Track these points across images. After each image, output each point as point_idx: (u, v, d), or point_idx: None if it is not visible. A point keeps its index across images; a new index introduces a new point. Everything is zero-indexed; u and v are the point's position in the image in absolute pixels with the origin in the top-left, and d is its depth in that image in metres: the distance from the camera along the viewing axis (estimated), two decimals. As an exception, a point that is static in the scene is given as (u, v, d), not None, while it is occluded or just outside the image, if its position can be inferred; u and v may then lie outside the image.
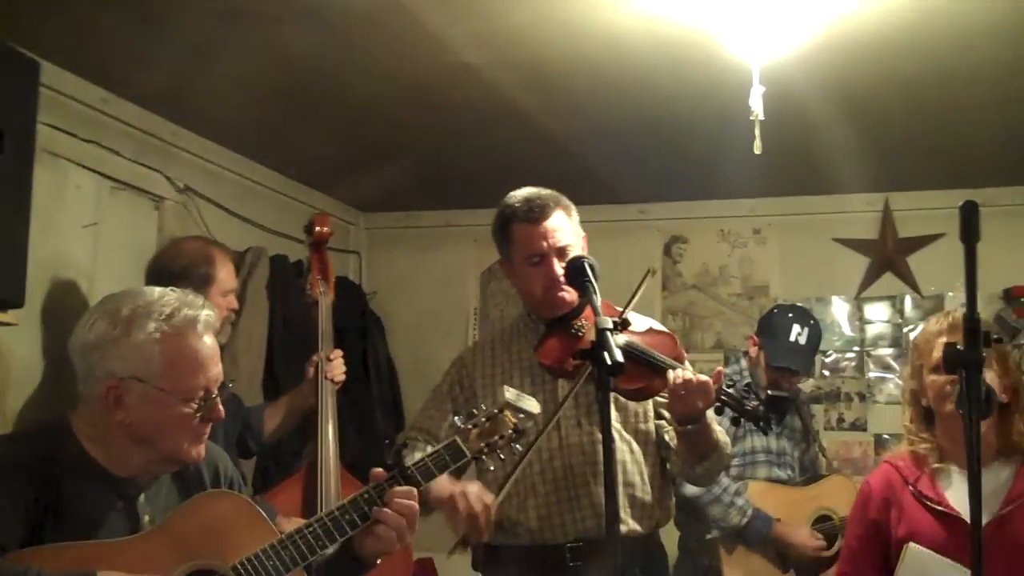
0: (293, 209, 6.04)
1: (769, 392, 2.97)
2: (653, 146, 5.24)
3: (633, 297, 3.11)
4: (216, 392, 2.37)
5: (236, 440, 4.20)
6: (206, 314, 2.40)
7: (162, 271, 3.85)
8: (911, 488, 3.03)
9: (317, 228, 4.49)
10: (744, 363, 4.91)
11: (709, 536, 4.60)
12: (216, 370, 2.39)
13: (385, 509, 2.44)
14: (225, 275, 3.98)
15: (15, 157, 3.44)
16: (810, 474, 4.95)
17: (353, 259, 6.77)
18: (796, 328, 4.81)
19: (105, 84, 4.43)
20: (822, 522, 4.72)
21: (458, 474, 3.08)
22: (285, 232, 5.92)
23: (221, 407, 2.38)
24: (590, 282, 2.89)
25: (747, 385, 3.11)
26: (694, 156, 5.39)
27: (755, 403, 3.02)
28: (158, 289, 2.42)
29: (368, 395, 6.10)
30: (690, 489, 4.35)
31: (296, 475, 4.27)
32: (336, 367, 4.28)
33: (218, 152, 5.30)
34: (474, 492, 2.98)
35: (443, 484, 2.98)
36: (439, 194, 6.39)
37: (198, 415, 2.34)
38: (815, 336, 4.85)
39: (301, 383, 4.34)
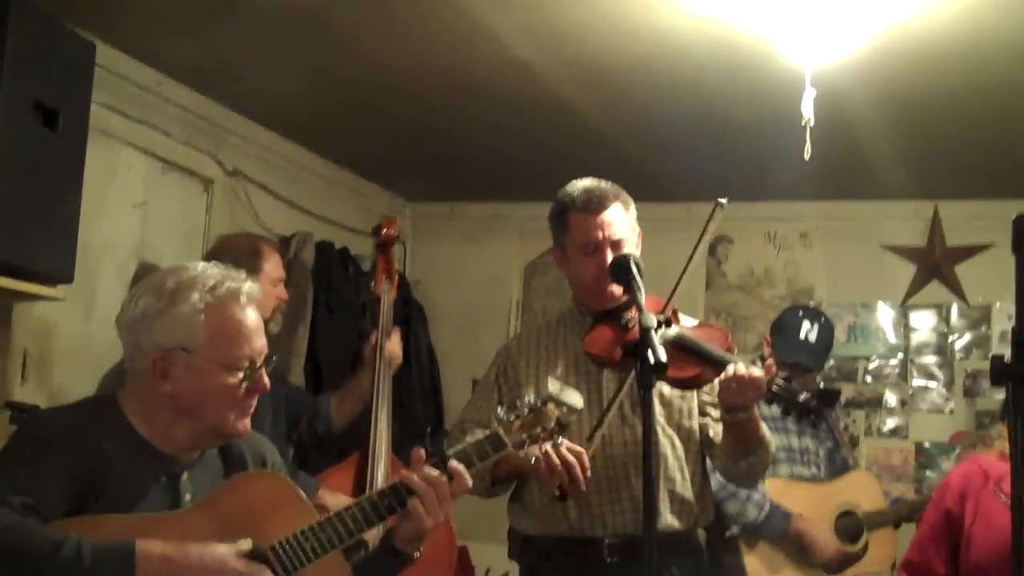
0: (340, 196, 6.09)
1: (822, 386, 2.99)
2: (702, 145, 5.24)
3: (698, 244, 3.11)
4: (261, 363, 2.40)
5: (308, 426, 4.34)
6: (249, 286, 2.42)
7: None
8: (992, 483, 3.06)
9: (384, 230, 4.67)
10: (770, 361, 4.90)
11: (728, 533, 4.59)
12: (260, 342, 2.41)
13: (412, 475, 2.45)
14: (272, 266, 4.06)
15: (69, 136, 3.49)
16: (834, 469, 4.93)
17: (397, 248, 6.80)
18: (806, 325, 4.80)
19: (158, 65, 4.48)
20: (845, 517, 4.70)
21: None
22: (331, 218, 5.96)
23: (266, 378, 2.41)
24: (634, 280, 2.90)
25: (787, 378, 3.11)
26: (743, 157, 5.39)
27: (806, 396, 3.02)
28: (201, 263, 2.45)
29: (408, 383, 6.15)
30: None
31: (348, 459, 4.38)
32: (395, 344, 4.43)
33: (268, 136, 5.35)
34: (563, 446, 2.99)
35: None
36: (485, 186, 6.41)
37: (243, 385, 2.36)
38: (826, 334, 4.83)
39: (359, 370, 4.47)
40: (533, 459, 2.92)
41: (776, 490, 4.58)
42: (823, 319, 4.89)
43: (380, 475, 4.26)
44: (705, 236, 3.14)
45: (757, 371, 2.93)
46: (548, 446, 2.87)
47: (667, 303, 3.07)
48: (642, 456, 2.52)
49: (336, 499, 3.93)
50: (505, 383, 3.32)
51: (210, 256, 4.06)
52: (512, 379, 3.29)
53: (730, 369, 2.94)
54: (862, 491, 4.76)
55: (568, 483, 2.97)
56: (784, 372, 4.62)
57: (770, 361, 3.02)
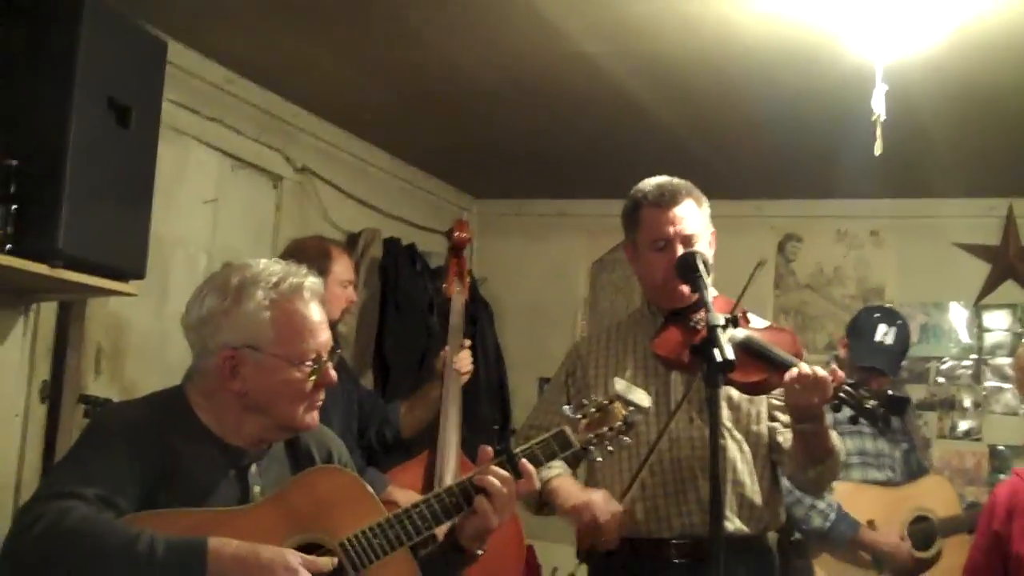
0: (407, 193, 6.12)
1: (890, 393, 2.91)
2: (770, 142, 5.20)
3: (743, 291, 3.09)
4: (327, 357, 2.42)
5: (378, 432, 4.40)
6: (311, 281, 2.45)
7: None
8: None
9: (457, 233, 4.84)
10: (834, 366, 4.87)
11: (793, 538, 4.56)
12: (325, 336, 2.43)
13: (482, 474, 2.46)
14: (342, 268, 4.11)
15: (141, 133, 3.53)
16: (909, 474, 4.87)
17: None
18: (882, 328, 4.74)
19: (229, 63, 4.53)
20: (919, 523, 4.64)
21: (570, 465, 3.13)
22: (399, 215, 5.99)
23: (333, 371, 2.43)
24: (700, 277, 2.88)
25: (854, 384, 3.06)
26: (812, 154, 5.34)
27: (874, 403, 2.97)
28: (263, 260, 2.47)
29: (475, 380, 6.16)
30: None
31: (418, 457, 4.45)
32: (464, 358, 4.52)
33: (336, 134, 5.39)
34: (600, 501, 2.99)
35: (570, 491, 3.03)
36: (552, 183, 6.41)
37: (311, 379, 2.38)
38: (903, 337, 4.77)
39: (429, 381, 4.59)
40: (573, 504, 3.03)
41: (846, 494, 4.53)
42: (900, 321, 4.82)
43: (449, 473, 4.35)
44: (744, 292, 3.11)
45: (821, 371, 2.89)
46: (583, 500, 2.99)
47: (736, 304, 3.05)
48: (709, 457, 2.51)
49: (406, 495, 3.96)
50: (574, 385, 3.31)
51: (282, 259, 4.12)
52: (581, 380, 3.29)
53: (794, 369, 2.90)
54: (936, 496, 4.69)
55: (598, 541, 3.00)
56: (852, 378, 4.60)
57: (834, 367, 2.99)
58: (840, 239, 6.40)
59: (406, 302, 5.68)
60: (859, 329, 4.82)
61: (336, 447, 2.62)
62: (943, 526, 4.62)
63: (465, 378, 4.54)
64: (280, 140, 4.98)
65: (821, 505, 4.43)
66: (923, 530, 4.62)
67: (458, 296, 4.69)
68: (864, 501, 4.55)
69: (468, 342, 4.58)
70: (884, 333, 4.73)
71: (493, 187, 6.63)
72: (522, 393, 6.35)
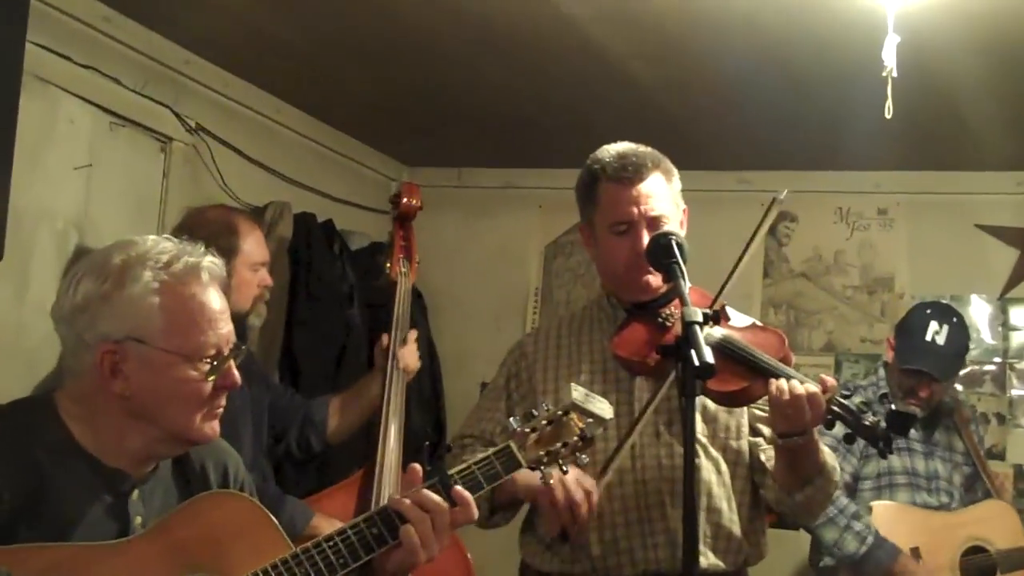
0: (324, 159, 6.10)
1: (892, 407, 2.90)
2: (759, 102, 5.21)
3: (735, 269, 3.11)
4: (229, 353, 2.40)
5: (299, 436, 4.37)
6: (210, 261, 2.42)
7: None
8: None
9: (405, 200, 4.71)
10: (882, 372, 4.91)
11: (822, 564, 4.58)
12: (227, 328, 2.41)
13: (406, 500, 2.45)
14: (252, 245, 4.09)
15: (-1, 82, 3.48)
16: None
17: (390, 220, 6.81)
18: (933, 326, 4.76)
19: (108, -1, 4.49)
20: (974, 554, 4.65)
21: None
22: (313, 186, 5.97)
23: (236, 372, 2.41)
24: (677, 264, 2.89)
25: (883, 395, 3.06)
26: (810, 116, 5.37)
27: (874, 418, 2.97)
28: (151, 237, 2.44)
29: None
30: None
31: (351, 479, 4.38)
32: (410, 353, 4.45)
33: (238, 87, 5.36)
34: (572, 478, 2.99)
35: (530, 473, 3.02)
36: (499, 149, 6.41)
37: (209, 379, 2.36)
38: (958, 337, 4.81)
39: (368, 373, 4.53)
40: (543, 482, 2.75)
41: (888, 516, 4.54)
42: (955, 320, 4.86)
43: (387, 498, 4.24)
44: (757, 236, 3.13)
45: (812, 386, 2.91)
46: (558, 473, 2.85)
47: (716, 297, 3.07)
48: (681, 481, 2.52)
49: (334, 528, 3.93)
50: (518, 389, 3.33)
51: (176, 233, 4.07)
52: (526, 384, 3.30)
53: (782, 385, 2.92)
54: (996, 524, 4.71)
55: (571, 524, 3.00)
56: (900, 383, 4.61)
57: (825, 376, 3.00)
58: (841, 219, 6.44)
59: (321, 290, 5.65)
60: (907, 326, 4.87)
61: (234, 464, 2.60)
62: (1004, 559, 4.64)
63: (410, 376, 4.49)
64: (169, 93, 4.94)
65: (857, 527, 4.46)
66: (979, 563, 4.64)
67: (404, 279, 4.60)
68: (909, 526, 4.57)
69: (415, 334, 4.54)
70: (935, 332, 4.75)
71: (428, 153, 6.63)
72: (461, 401, 6.32)
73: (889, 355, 4.89)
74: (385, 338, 4.43)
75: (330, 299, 5.72)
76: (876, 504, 4.61)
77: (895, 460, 4.66)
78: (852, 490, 4.68)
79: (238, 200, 5.28)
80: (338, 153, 6.21)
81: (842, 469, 4.39)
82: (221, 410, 2.42)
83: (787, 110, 5.29)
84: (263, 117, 5.60)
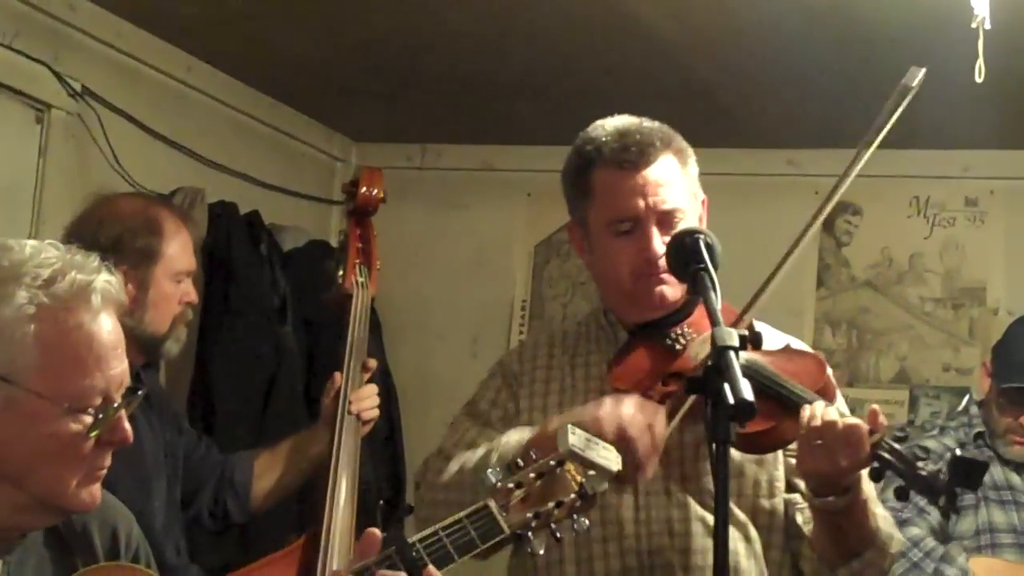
0: (248, 132, 6.11)
1: (957, 453, 2.87)
2: (813, 65, 5.22)
3: (778, 270, 3.09)
4: (120, 402, 2.37)
5: (213, 501, 4.27)
6: (104, 280, 2.38)
7: (83, 245, 3.92)
8: None
9: (364, 189, 4.56)
10: (975, 409, 4.92)
11: None
12: (120, 368, 2.37)
13: None
14: (177, 250, 4.04)
15: None
16: None
17: (337, 214, 6.80)
18: None
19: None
20: None
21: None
22: (234, 167, 5.97)
23: (127, 426, 2.38)
24: (706, 271, 2.87)
25: (978, 434, 3.04)
26: (876, 81, 5.36)
27: (933, 468, 2.93)
28: (31, 243, 2.40)
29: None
30: None
31: (290, 548, 4.33)
32: (368, 394, 4.33)
33: (137, 39, 5.35)
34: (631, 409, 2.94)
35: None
36: (476, 122, 6.44)
37: (92, 434, 2.33)
38: None
39: (305, 410, 4.46)
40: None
41: (982, 571, 4.56)
42: None
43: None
44: (820, 217, 3.11)
45: (853, 418, 2.89)
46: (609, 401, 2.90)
47: (744, 311, 3.04)
48: (697, 552, 2.49)
49: None
50: (503, 411, 3.33)
51: (77, 229, 4.03)
52: (511, 406, 3.31)
53: (814, 409, 2.89)
54: None
55: (634, 468, 2.96)
56: (995, 409, 4.63)
57: (875, 407, 2.97)
58: (919, 211, 6.44)
59: (244, 304, 5.65)
60: (1007, 343, 4.90)
61: (125, 525, 2.59)
62: None
63: (367, 428, 4.37)
64: (48, 47, 4.93)
65: (950, 572, 4.47)
66: None
67: (362, 292, 4.46)
68: None
69: (373, 363, 4.46)
70: None
71: (383, 126, 6.65)
72: (423, 448, 6.28)
73: (984, 385, 4.90)
74: (338, 377, 4.31)
75: (256, 315, 5.71)
76: (976, 560, 4.61)
77: (997, 514, 4.68)
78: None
79: (136, 185, 5.26)
80: (266, 125, 6.23)
81: (915, 526, 4.41)
82: (103, 471, 2.40)
83: (847, 73, 5.29)
84: (168, 78, 5.60)
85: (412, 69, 5.67)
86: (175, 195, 5.47)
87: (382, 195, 4.59)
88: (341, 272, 4.47)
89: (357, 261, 4.49)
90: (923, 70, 3.03)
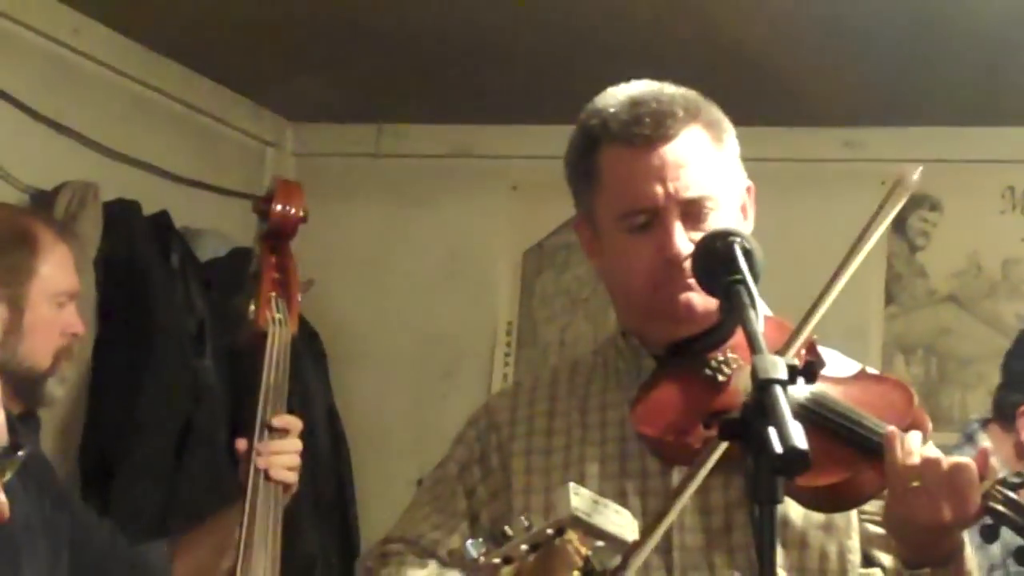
0: (156, 112, 6.11)
1: None
2: (879, 24, 5.24)
3: (832, 286, 3.07)
4: None
5: None
6: None
7: None
8: None
9: (279, 206, 4.52)
10: (984, 445, 4.95)
11: None
12: None
13: None
14: (55, 268, 4.07)
15: None
16: None
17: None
18: None
19: None
20: None
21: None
22: (137, 155, 5.97)
23: (3, 499, 2.38)
24: (743, 283, 2.86)
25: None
26: (954, 41, 5.39)
27: None
28: None
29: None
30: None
31: None
32: (283, 451, 4.28)
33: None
34: None
35: None
36: (449, 96, 6.45)
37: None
38: None
39: (232, 469, 4.43)
40: None
41: None
42: None
43: None
44: (870, 238, 3.10)
45: (961, 457, 2.87)
46: None
47: (797, 331, 3.03)
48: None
49: None
50: (483, 483, 3.31)
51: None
52: (497, 477, 3.28)
53: (910, 444, 2.87)
54: None
55: None
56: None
57: (985, 447, 2.96)
58: (1013, 206, 6.47)
59: (151, 328, 5.65)
60: None
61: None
62: None
63: (287, 496, 4.40)
64: None
65: None
66: None
67: (279, 330, 4.40)
68: None
69: (286, 420, 4.42)
70: None
71: (329, 101, 6.66)
72: (380, 511, 6.31)
73: None
74: (242, 443, 4.30)
75: (166, 344, 5.71)
76: None
77: None
78: None
79: (10, 180, 5.27)
80: (178, 102, 6.23)
81: None
82: None
83: (920, 35, 5.31)
84: (52, 42, 5.60)
85: (364, 30, 5.68)
86: (60, 192, 5.47)
87: (302, 214, 4.54)
88: (253, 307, 4.47)
89: (273, 294, 4.45)
90: (919, 170, 3.00)
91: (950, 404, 6.31)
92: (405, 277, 6.81)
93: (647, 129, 3.07)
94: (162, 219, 5.90)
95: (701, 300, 3.03)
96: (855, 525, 3.12)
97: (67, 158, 5.67)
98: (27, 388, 3.93)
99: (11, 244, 3.96)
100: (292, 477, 4.25)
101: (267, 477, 4.21)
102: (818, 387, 2.98)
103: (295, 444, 4.28)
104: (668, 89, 3.15)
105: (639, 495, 3.10)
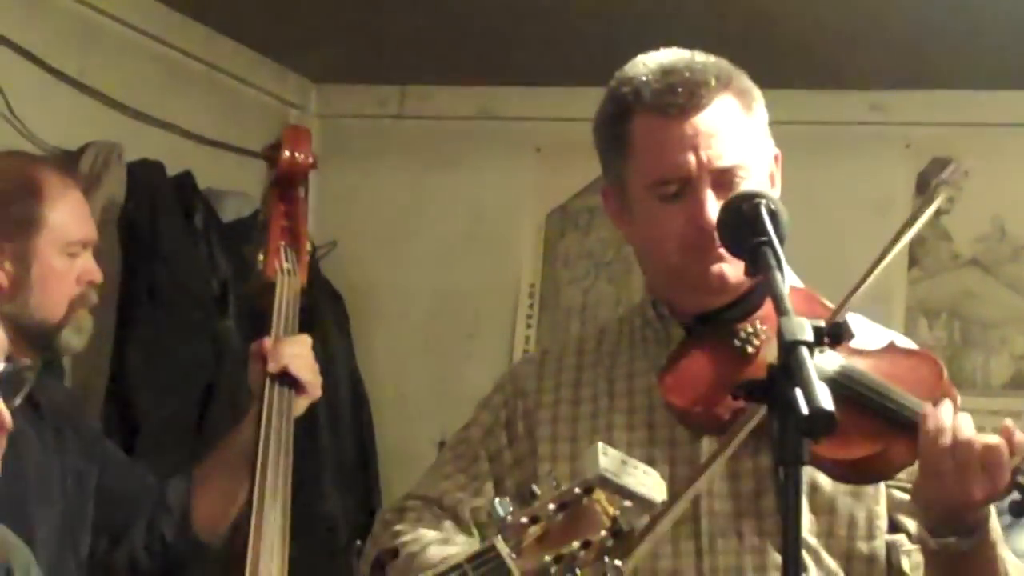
0: (179, 73, 6.13)
1: None
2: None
3: (880, 262, 3.08)
4: None
5: (148, 533, 4.26)
6: None
7: None
8: None
9: (287, 153, 4.53)
10: (1007, 421, 4.93)
11: None
12: None
13: None
14: (66, 215, 4.07)
15: None
16: None
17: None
18: None
19: None
20: None
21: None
22: (162, 117, 5.97)
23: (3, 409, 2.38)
24: (770, 246, 2.86)
25: None
26: (982, 6, 5.38)
27: None
28: None
29: (314, 442, 6.13)
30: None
31: None
32: (292, 352, 4.24)
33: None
34: None
35: None
36: (471, 57, 6.45)
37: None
38: None
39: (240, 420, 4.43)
40: None
41: None
42: None
43: None
44: (912, 228, 3.10)
45: (991, 436, 2.88)
46: None
47: (841, 305, 3.03)
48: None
49: None
50: (510, 447, 3.31)
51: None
52: (523, 442, 3.29)
53: (942, 421, 2.87)
54: None
55: None
56: None
57: (1009, 422, 2.95)
58: (1043, 171, 6.45)
59: (174, 289, 5.66)
60: None
61: (19, 559, 2.62)
62: None
63: (304, 404, 4.31)
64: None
65: None
66: None
67: (288, 280, 4.45)
68: None
69: (307, 340, 4.40)
70: None
71: (352, 63, 6.66)
72: (403, 471, 6.31)
73: None
74: (264, 344, 4.23)
75: (189, 305, 5.73)
76: None
77: None
78: None
79: (32, 139, 5.28)
80: (203, 62, 6.24)
81: None
82: None
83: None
84: (76, 2, 5.60)
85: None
86: (83, 152, 5.48)
87: (311, 159, 4.55)
88: (262, 257, 4.47)
89: (282, 243, 4.45)
90: (959, 169, 3.02)
91: (973, 368, 6.31)
92: (428, 239, 6.81)
93: (680, 98, 3.07)
94: (186, 180, 5.91)
95: (733, 271, 3.03)
96: (883, 491, 3.13)
97: (91, 119, 5.67)
98: (42, 339, 3.94)
99: (17, 195, 3.96)
100: (312, 376, 4.27)
101: (288, 376, 4.19)
102: (848, 361, 2.98)
103: (306, 338, 4.32)
104: (699, 57, 3.15)
105: (668, 463, 3.10)
